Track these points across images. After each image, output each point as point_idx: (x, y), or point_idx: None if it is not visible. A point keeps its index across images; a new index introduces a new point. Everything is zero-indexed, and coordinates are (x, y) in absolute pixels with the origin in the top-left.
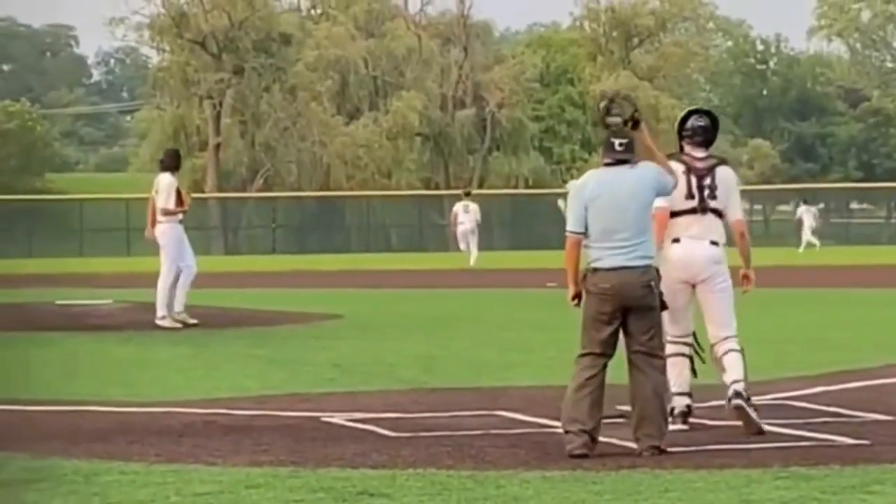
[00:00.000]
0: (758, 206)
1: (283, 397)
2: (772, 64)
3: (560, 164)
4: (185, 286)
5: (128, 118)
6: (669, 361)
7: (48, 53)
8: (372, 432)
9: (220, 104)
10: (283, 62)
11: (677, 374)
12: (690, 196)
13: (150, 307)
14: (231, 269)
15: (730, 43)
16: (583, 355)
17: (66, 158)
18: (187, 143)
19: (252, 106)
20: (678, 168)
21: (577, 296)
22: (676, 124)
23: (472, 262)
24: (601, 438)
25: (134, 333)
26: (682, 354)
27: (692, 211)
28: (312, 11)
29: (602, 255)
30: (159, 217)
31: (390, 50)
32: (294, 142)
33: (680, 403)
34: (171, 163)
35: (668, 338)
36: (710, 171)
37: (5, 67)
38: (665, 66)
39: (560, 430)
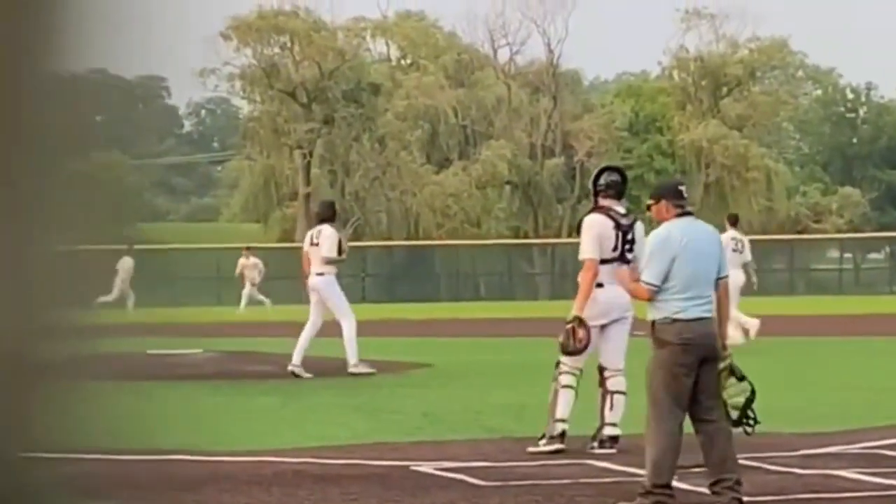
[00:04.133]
0: (848, 255)
1: (372, 446)
2: (862, 112)
3: (649, 212)
4: (308, 338)
5: (218, 168)
6: (563, 391)
7: (140, 104)
8: (461, 481)
9: (310, 154)
10: (373, 112)
11: (566, 402)
12: (615, 248)
13: (240, 356)
14: None
15: (819, 91)
16: (664, 411)
17: (156, 208)
18: (277, 193)
19: (342, 155)
20: (608, 223)
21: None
22: (591, 180)
23: (269, 306)
24: (689, 487)
25: (224, 383)
26: (572, 387)
27: (613, 260)
28: (402, 61)
29: (685, 307)
30: (321, 268)
31: (479, 99)
32: (383, 191)
33: (560, 428)
34: (329, 214)
35: (566, 368)
36: (631, 226)
37: (98, 118)
38: (754, 115)
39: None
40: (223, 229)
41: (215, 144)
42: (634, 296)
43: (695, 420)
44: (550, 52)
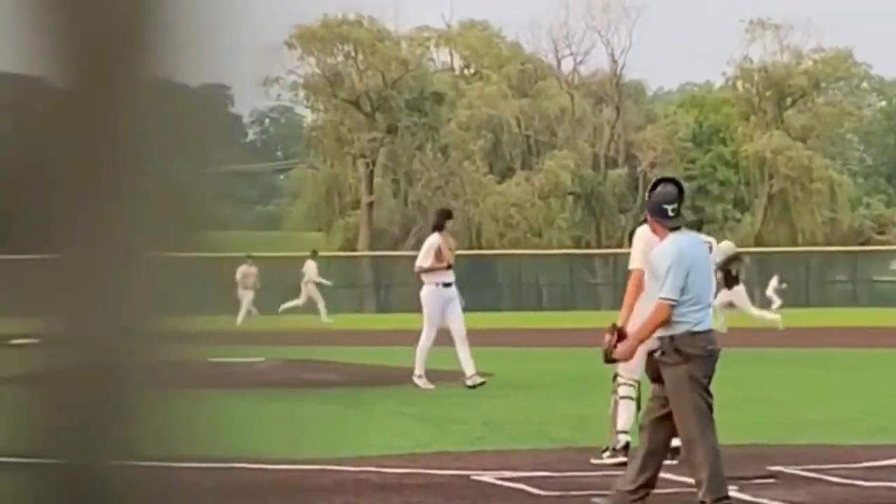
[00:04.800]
0: None
1: (433, 455)
2: None
3: (712, 223)
4: (462, 348)
5: (281, 177)
6: (623, 402)
7: (204, 113)
8: (522, 491)
9: (374, 163)
10: (436, 121)
11: (628, 414)
12: None
13: (302, 365)
14: (383, 327)
15: (884, 103)
16: (705, 425)
17: (220, 217)
18: (340, 202)
19: (405, 165)
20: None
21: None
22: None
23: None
24: (751, 498)
25: (285, 391)
26: (632, 398)
27: None
28: (465, 71)
29: (701, 318)
30: (423, 276)
31: (543, 109)
32: (446, 200)
33: (623, 440)
34: (439, 221)
35: (622, 379)
36: None
37: (162, 127)
38: (818, 126)
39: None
40: (286, 238)
41: (279, 153)
42: (654, 318)
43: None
44: (614, 62)
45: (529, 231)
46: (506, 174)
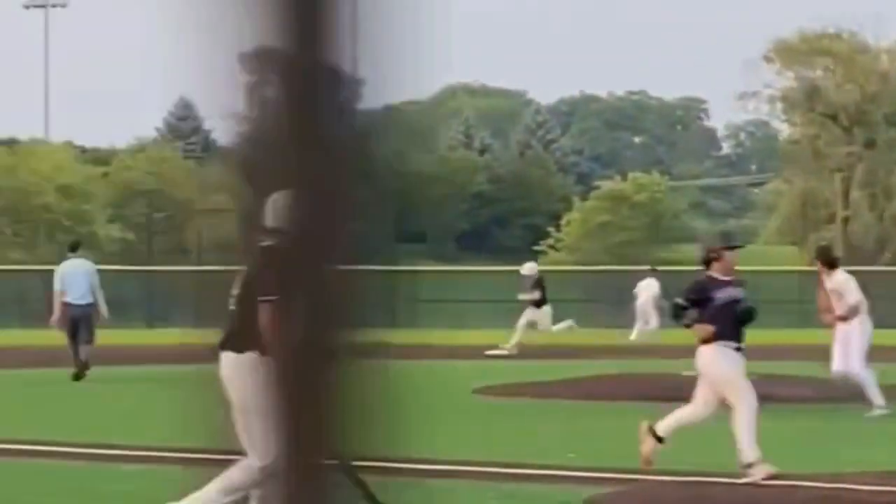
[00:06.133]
0: None
1: None
2: None
3: None
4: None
5: (755, 191)
6: None
7: (678, 126)
8: None
9: (850, 177)
10: None
11: None
12: None
13: (775, 379)
14: None
15: None
16: None
17: (692, 230)
18: (815, 216)
19: (882, 179)
20: None
21: None
22: None
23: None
24: None
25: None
26: None
27: None
28: None
29: None
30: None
31: None
32: None
33: None
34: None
35: None
36: None
37: (636, 139)
38: None
39: None
40: (760, 252)
41: (753, 167)
42: None
43: None
44: None
45: None
46: None
